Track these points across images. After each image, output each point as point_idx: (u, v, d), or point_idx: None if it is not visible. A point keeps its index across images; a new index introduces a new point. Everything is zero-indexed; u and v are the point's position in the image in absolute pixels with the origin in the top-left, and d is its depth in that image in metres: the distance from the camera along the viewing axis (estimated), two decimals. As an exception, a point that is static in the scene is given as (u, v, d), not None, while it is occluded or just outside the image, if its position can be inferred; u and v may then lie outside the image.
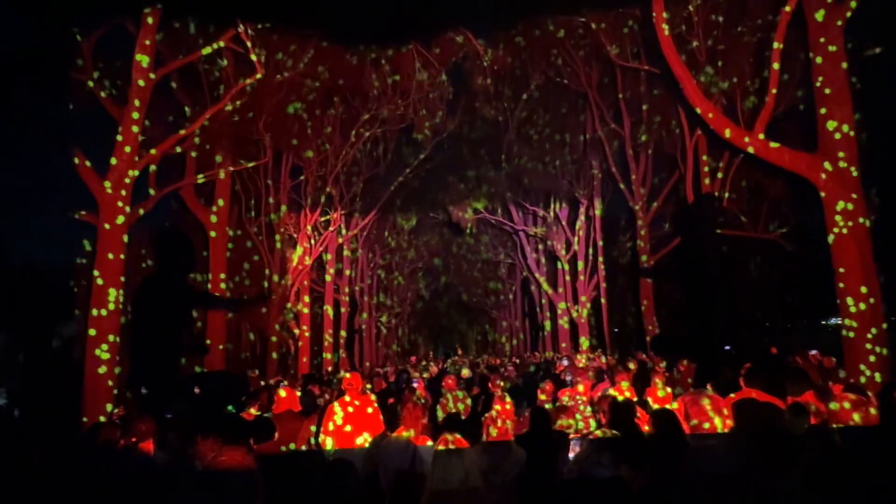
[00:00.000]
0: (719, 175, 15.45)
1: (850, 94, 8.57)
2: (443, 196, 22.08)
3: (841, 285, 8.31)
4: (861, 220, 8.28)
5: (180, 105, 13.19)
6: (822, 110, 8.56)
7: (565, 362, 11.70)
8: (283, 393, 6.74)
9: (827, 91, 8.53)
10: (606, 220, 20.89)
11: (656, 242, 18.06)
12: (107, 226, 9.23)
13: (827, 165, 8.41)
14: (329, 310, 19.46)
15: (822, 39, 8.57)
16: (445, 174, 21.47)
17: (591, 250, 20.26)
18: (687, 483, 2.70)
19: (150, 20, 9.80)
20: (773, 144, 8.93)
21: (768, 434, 3.41)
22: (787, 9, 8.83)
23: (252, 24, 11.41)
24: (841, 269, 8.30)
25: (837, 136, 8.38)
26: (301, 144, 15.94)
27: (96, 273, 9.17)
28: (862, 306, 8.07)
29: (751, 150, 9.06)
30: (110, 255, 9.18)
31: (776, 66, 9.04)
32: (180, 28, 11.49)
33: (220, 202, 13.69)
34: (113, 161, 9.42)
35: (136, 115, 9.55)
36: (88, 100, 10.54)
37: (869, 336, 7.98)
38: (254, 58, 11.36)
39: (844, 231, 8.27)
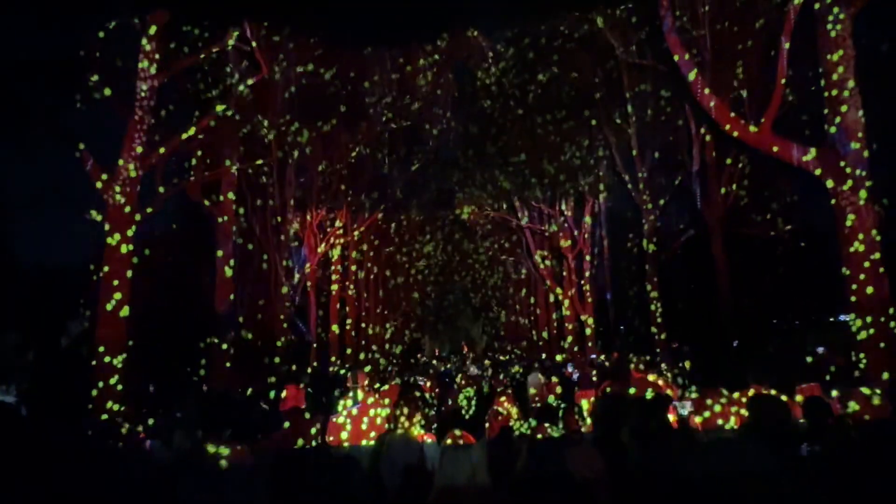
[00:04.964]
0: (727, 166, 15.31)
1: (858, 90, 8.47)
2: (448, 193, 22.07)
3: (849, 278, 8.22)
4: (869, 215, 8.20)
5: (187, 104, 13.21)
6: (830, 106, 8.48)
7: (570, 368, 11.70)
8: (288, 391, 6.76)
9: (835, 88, 8.44)
10: (613, 216, 20.78)
11: (663, 239, 17.95)
12: (115, 225, 9.28)
13: (835, 160, 8.33)
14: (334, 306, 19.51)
15: (830, 37, 8.48)
16: (451, 171, 21.46)
17: (597, 248, 20.17)
18: (700, 479, 2.68)
19: (155, 22, 9.83)
20: (780, 139, 8.85)
21: (784, 429, 3.41)
22: (796, 1, 8.77)
23: (257, 23, 11.43)
24: (850, 266, 8.21)
25: (846, 131, 8.29)
26: (306, 143, 15.93)
27: (105, 272, 9.22)
28: (870, 290, 7.95)
29: (758, 145, 8.99)
30: (118, 254, 9.23)
31: (784, 62, 8.96)
32: (186, 29, 11.51)
33: (231, 195, 13.71)
34: (120, 161, 9.47)
35: (142, 116, 9.60)
36: (96, 100, 10.56)
37: (877, 328, 7.89)
38: (258, 56, 11.39)
39: (853, 225, 8.19)
